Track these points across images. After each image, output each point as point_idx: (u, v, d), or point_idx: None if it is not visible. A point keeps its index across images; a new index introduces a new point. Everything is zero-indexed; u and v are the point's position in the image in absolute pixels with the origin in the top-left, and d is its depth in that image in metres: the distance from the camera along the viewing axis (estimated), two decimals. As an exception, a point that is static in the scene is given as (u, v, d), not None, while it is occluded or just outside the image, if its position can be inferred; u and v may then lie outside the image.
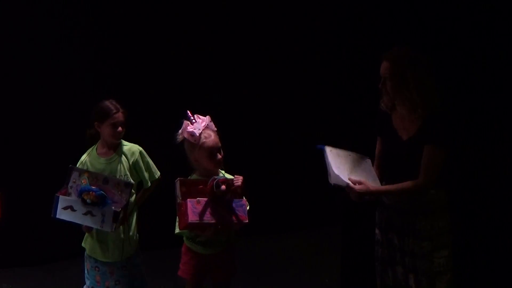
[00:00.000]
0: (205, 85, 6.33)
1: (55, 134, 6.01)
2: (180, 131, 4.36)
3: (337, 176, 4.07)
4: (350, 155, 4.21)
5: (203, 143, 4.30)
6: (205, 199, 4.17)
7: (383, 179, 4.26)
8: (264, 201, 6.40)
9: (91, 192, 4.34)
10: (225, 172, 4.43)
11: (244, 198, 4.27)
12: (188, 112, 4.36)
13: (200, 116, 4.37)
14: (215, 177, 4.21)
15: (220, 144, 4.34)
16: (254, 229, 6.34)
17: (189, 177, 4.37)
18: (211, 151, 4.30)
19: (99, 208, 4.35)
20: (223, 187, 4.18)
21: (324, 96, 6.63)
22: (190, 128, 4.32)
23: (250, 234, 6.26)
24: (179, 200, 4.19)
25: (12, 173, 6.00)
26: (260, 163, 6.54)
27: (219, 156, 4.33)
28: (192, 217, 4.11)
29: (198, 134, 4.30)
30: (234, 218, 4.20)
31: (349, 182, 4.05)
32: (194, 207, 4.12)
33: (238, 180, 4.26)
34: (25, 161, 6.04)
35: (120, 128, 4.55)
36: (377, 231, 4.32)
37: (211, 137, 4.32)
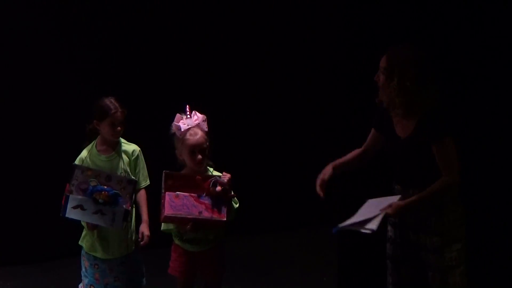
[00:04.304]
0: (202, 84, 6.34)
1: (54, 132, 6.02)
2: (173, 122, 4.41)
3: (369, 219, 3.95)
4: (361, 210, 4.10)
5: (187, 139, 4.33)
6: (185, 193, 4.24)
7: (394, 177, 4.20)
8: (261, 200, 6.44)
9: (103, 192, 4.36)
10: (218, 170, 4.44)
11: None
12: (187, 106, 4.39)
13: (197, 114, 4.40)
14: (216, 177, 4.27)
15: (204, 146, 4.34)
16: (251, 228, 6.42)
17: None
18: (192, 149, 4.32)
19: (110, 207, 4.38)
20: (219, 188, 4.24)
21: (322, 95, 6.66)
22: (179, 122, 4.35)
23: (247, 233, 6.31)
24: (162, 192, 4.27)
25: (10, 171, 6.03)
26: (256, 162, 6.56)
27: (199, 156, 4.33)
28: (169, 210, 4.21)
29: (183, 129, 4.33)
30: (212, 215, 4.25)
31: (381, 212, 3.94)
32: (172, 201, 4.22)
33: (225, 177, 4.30)
34: (24, 159, 6.04)
35: (119, 128, 4.56)
36: (389, 227, 4.25)
37: (196, 136, 4.33)
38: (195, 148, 4.32)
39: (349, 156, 4.36)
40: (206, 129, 4.38)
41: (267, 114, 6.66)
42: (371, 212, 4.00)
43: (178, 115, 4.39)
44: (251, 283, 5.83)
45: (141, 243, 4.60)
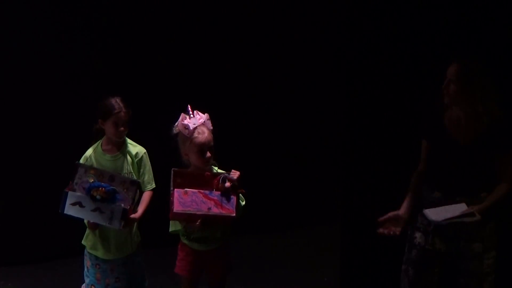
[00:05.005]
0: (207, 84, 6.34)
1: (58, 131, 6.01)
2: (176, 123, 4.42)
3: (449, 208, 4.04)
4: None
5: (195, 138, 4.35)
6: (194, 190, 4.26)
7: (434, 184, 4.23)
8: (263, 200, 6.44)
9: (100, 188, 4.36)
10: (221, 169, 4.46)
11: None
12: (189, 106, 4.41)
13: (199, 113, 4.43)
14: (225, 174, 4.30)
15: (212, 143, 4.38)
16: (254, 228, 6.41)
17: None
18: (201, 147, 4.35)
19: (108, 204, 4.37)
20: (228, 184, 4.27)
21: (323, 95, 6.67)
22: (185, 121, 4.37)
23: (249, 232, 6.30)
24: (171, 190, 4.28)
25: (13, 170, 6.01)
26: (257, 162, 6.55)
27: (208, 154, 4.36)
28: (178, 207, 4.22)
29: (191, 128, 4.35)
30: (221, 210, 4.27)
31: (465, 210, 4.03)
32: (180, 197, 4.23)
33: (235, 174, 4.32)
34: (27, 158, 6.03)
35: (122, 128, 4.57)
36: (417, 234, 4.28)
37: (204, 134, 4.36)
38: (204, 146, 4.34)
39: (415, 189, 4.31)
40: (211, 127, 4.43)
41: (268, 114, 6.66)
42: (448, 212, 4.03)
43: (182, 114, 4.41)
44: (252, 282, 5.83)
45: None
